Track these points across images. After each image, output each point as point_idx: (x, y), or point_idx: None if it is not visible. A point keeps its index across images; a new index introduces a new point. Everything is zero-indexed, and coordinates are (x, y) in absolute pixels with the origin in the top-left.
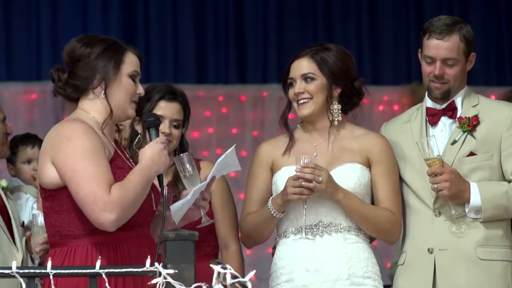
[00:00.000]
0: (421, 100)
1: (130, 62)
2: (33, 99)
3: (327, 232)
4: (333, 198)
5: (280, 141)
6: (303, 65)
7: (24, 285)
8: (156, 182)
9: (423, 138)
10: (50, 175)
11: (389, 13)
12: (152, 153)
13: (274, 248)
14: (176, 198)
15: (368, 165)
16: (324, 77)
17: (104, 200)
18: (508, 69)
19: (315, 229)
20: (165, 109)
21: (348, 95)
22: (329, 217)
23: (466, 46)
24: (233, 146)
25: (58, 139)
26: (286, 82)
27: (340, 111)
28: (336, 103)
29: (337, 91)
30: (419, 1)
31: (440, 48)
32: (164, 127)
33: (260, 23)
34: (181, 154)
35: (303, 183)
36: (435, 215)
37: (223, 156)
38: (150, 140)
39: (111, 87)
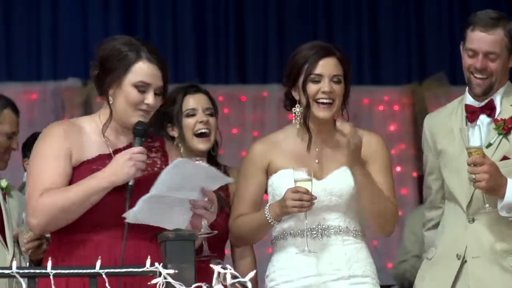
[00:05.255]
0: (421, 100)
1: (140, 71)
2: (33, 99)
3: (326, 234)
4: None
5: (273, 140)
6: (334, 66)
7: (24, 285)
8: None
9: (467, 126)
10: None
11: (389, 13)
12: (116, 162)
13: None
14: None
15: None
16: (345, 82)
17: (32, 205)
18: (509, 69)
19: (314, 232)
20: (194, 101)
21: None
22: (327, 219)
23: (510, 42)
24: (181, 159)
25: (38, 138)
26: (307, 78)
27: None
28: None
29: (345, 97)
30: (419, 1)
31: (483, 41)
32: (199, 116)
33: (261, 23)
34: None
35: (303, 196)
36: (469, 221)
37: (170, 166)
38: None
39: (115, 94)
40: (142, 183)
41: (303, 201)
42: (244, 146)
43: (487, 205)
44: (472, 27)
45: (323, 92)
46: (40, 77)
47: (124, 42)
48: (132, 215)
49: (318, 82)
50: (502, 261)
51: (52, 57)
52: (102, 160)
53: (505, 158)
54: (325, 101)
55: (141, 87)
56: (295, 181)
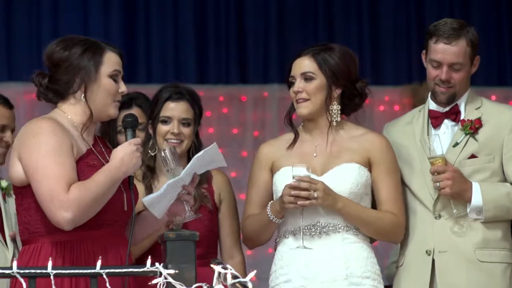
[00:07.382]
0: (422, 100)
1: (110, 61)
2: (33, 99)
3: (325, 232)
4: (333, 209)
5: (280, 141)
6: (304, 64)
7: (24, 285)
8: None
9: (426, 136)
10: (17, 172)
11: (390, 13)
12: (123, 154)
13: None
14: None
15: (368, 165)
16: (323, 76)
17: (61, 199)
18: (509, 69)
19: (313, 229)
20: (173, 109)
21: (349, 96)
22: (326, 217)
23: (472, 50)
24: (214, 143)
25: (25, 136)
26: (288, 81)
27: (339, 112)
28: (336, 103)
29: (337, 92)
30: (420, 1)
31: (447, 52)
32: (172, 127)
33: (261, 23)
34: (165, 149)
35: (301, 193)
36: (435, 217)
37: (201, 152)
38: (126, 140)
39: (91, 89)
40: None
41: (299, 198)
42: (244, 146)
43: (455, 210)
44: (435, 39)
45: (295, 92)
46: None
47: (78, 39)
48: (150, 200)
49: (293, 84)
50: (469, 255)
51: None
52: (91, 156)
53: (473, 156)
54: (300, 100)
55: (115, 76)
56: (294, 178)
